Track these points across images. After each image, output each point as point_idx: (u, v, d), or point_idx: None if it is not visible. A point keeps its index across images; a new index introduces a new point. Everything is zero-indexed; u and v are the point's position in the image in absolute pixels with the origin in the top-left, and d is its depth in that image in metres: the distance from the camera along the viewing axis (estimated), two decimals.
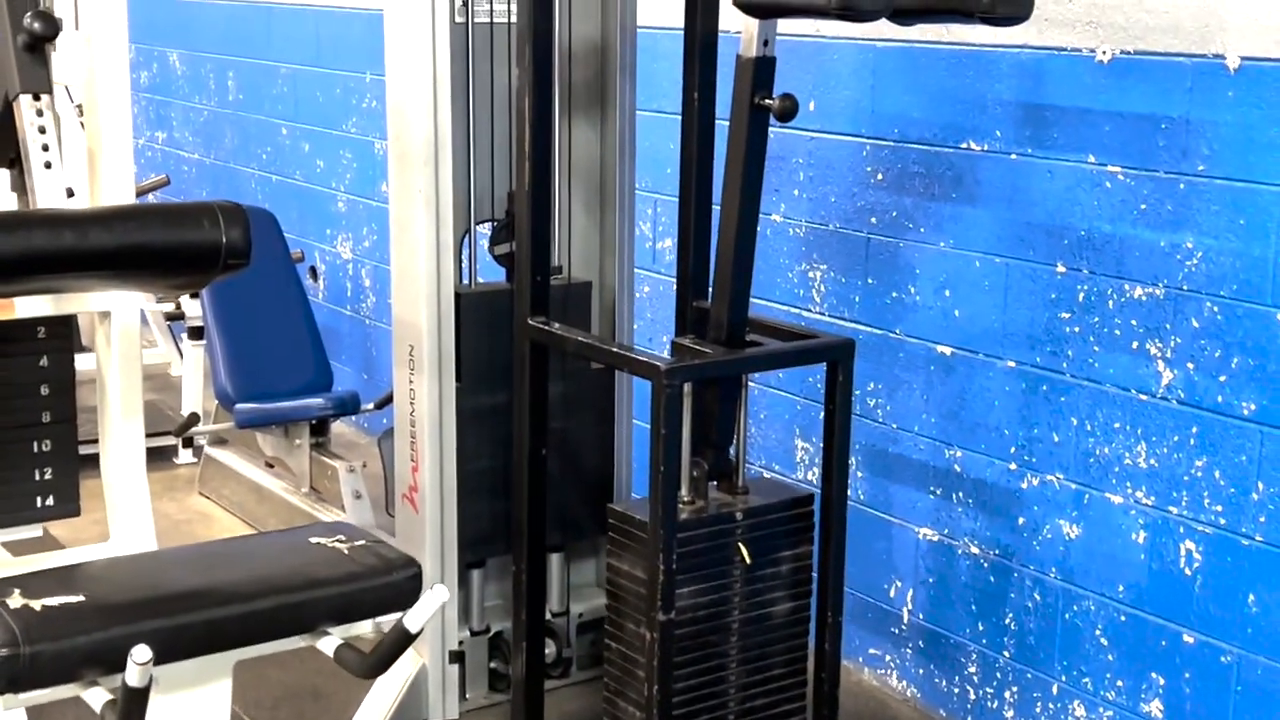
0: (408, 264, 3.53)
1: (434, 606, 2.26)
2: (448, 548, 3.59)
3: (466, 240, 3.68)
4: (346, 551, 2.40)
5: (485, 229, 3.78)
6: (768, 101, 2.97)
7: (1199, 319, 3.10)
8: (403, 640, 2.29)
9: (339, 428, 4.78)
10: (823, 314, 3.95)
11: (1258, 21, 2.93)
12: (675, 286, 3.45)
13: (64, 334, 3.14)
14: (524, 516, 3.38)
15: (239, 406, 4.54)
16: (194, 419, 5.19)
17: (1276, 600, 3.01)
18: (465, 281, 3.69)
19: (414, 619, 2.24)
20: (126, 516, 3.16)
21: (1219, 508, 3.10)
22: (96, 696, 2.16)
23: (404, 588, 2.40)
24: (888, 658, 3.91)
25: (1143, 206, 3.19)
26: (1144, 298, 3.20)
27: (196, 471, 5.27)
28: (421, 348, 3.51)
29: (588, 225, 3.77)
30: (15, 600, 2.15)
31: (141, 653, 2.03)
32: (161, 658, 2.12)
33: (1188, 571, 3.17)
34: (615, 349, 3.37)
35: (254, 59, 6.56)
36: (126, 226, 2.49)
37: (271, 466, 4.87)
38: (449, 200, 3.47)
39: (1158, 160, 3.15)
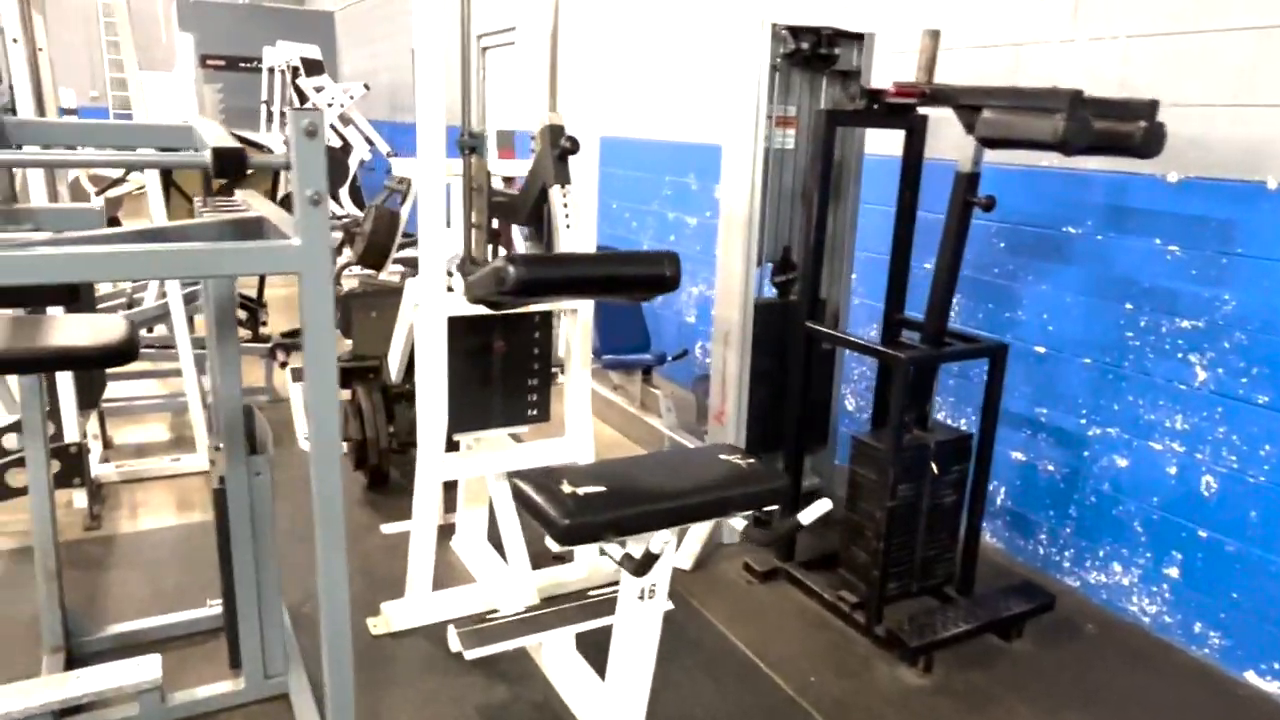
0: (727, 284, 3.25)
1: (821, 511, 1.95)
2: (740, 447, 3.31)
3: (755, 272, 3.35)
4: (745, 467, 2.07)
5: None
6: (976, 200, 2.63)
7: (1230, 342, 2.69)
8: (796, 528, 1.99)
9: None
10: (956, 325, 3.55)
11: None
12: (884, 305, 3.10)
13: (548, 319, 2.89)
14: (794, 430, 3.12)
15: (604, 356, 4.33)
16: None
17: (1270, 516, 2.62)
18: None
19: (806, 516, 1.93)
20: (576, 420, 2.95)
21: (1234, 458, 2.69)
22: (613, 549, 1.94)
23: (780, 492, 2.02)
24: (985, 526, 3.52)
25: (1192, 271, 2.76)
26: (1188, 327, 2.78)
27: None
28: (734, 334, 3.24)
29: (826, 266, 3.42)
30: (566, 487, 1.93)
31: (662, 537, 1.81)
32: (650, 526, 1.90)
33: (1206, 494, 2.76)
34: (866, 343, 2.97)
35: (603, 167, 6.28)
36: (619, 263, 2.27)
37: (617, 388, 4.65)
38: (754, 249, 3.19)
39: (1206, 244, 2.73)
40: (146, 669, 2.24)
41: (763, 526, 2.17)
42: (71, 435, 3.42)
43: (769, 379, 3.33)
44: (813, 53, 3.13)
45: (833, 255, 3.43)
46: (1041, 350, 3.23)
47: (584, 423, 2.93)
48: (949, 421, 3.50)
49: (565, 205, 2.32)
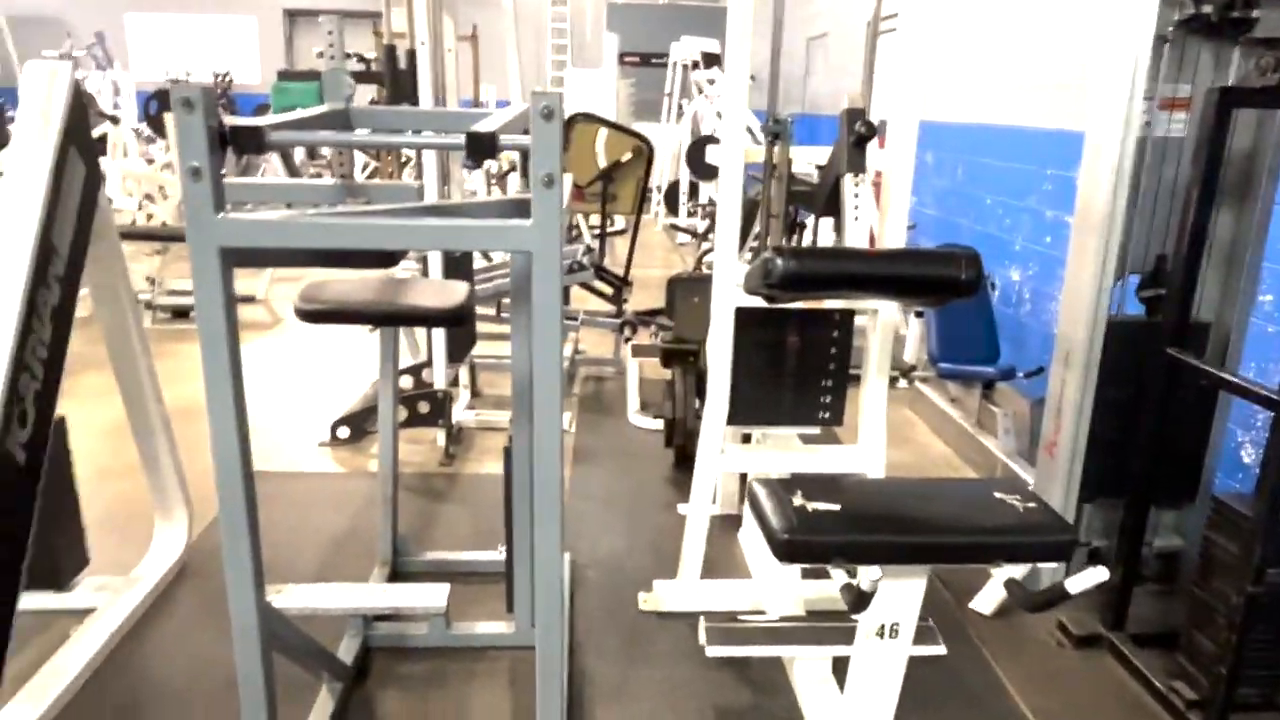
0: (1075, 297, 2.77)
1: (1094, 581, 1.58)
2: (1072, 487, 2.82)
3: (1117, 284, 2.82)
4: (1021, 510, 1.75)
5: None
6: None
7: None
8: (1062, 596, 1.64)
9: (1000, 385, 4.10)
10: None
11: None
12: None
13: (849, 316, 2.70)
14: (1141, 476, 2.60)
15: (941, 364, 3.97)
16: (912, 366, 4.61)
17: None
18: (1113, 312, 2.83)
19: (1075, 584, 1.58)
20: (869, 429, 2.73)
21: None
22: (837, 576, 1.76)
23: (1059, 548, 1.71)
24: None
25: None
26: None
27: (907, 394, 4.69)
28: (1077, 355, 2.76)
29: (1214, 281, 2.78)
30: (798, 499, 1.78)
31: (872, 574, 1.60)
32: (884, 559, 1.69)
33: None
34: (1241, 380, 2.32)
35: (976, 157, 5.77)
36: (905, 261, 2.05)
37: (953, 401, 4.26)
38: (1114, 258, 2.68)
39: None
40: (434, 597, 2.52)
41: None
42: (440, 383, 3.99)
43: (1122, 411, 2.79)
44: (1221, 17, 2.54)
45: (1228, 268, 2.77)
46: None
47: (877, 433, 2.71)
48: None
49: (857, 196, 2.14)
